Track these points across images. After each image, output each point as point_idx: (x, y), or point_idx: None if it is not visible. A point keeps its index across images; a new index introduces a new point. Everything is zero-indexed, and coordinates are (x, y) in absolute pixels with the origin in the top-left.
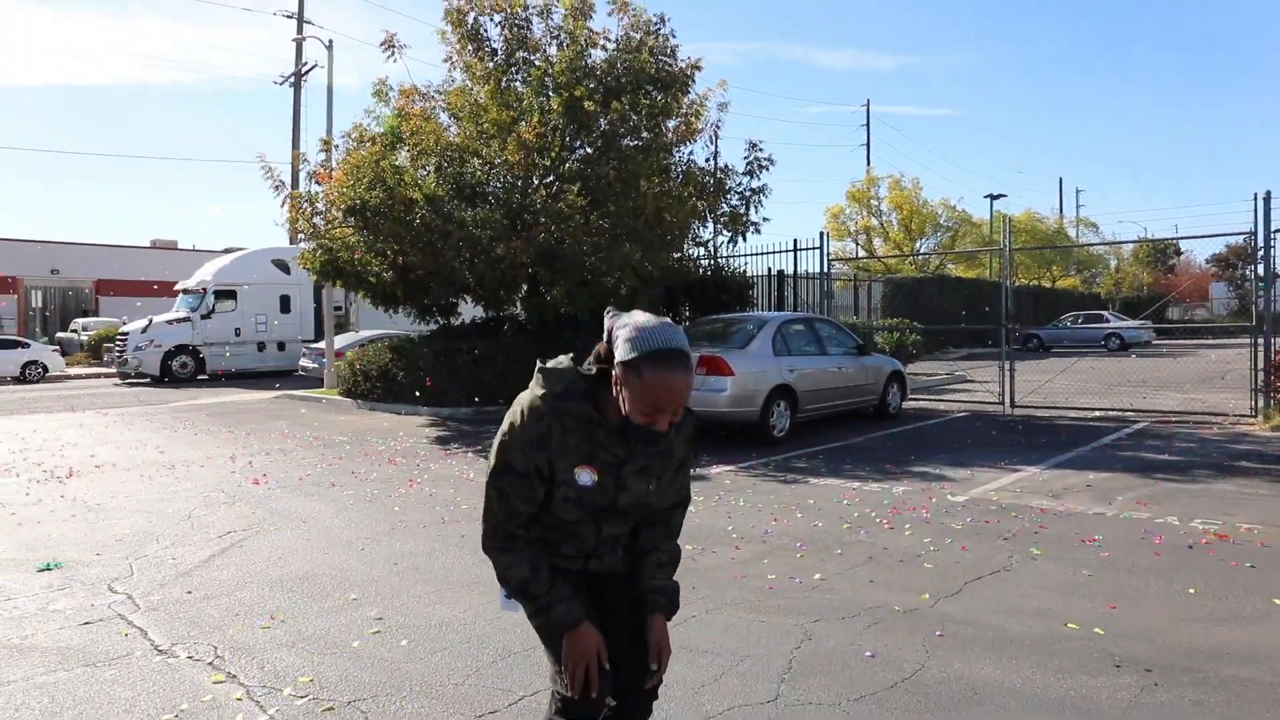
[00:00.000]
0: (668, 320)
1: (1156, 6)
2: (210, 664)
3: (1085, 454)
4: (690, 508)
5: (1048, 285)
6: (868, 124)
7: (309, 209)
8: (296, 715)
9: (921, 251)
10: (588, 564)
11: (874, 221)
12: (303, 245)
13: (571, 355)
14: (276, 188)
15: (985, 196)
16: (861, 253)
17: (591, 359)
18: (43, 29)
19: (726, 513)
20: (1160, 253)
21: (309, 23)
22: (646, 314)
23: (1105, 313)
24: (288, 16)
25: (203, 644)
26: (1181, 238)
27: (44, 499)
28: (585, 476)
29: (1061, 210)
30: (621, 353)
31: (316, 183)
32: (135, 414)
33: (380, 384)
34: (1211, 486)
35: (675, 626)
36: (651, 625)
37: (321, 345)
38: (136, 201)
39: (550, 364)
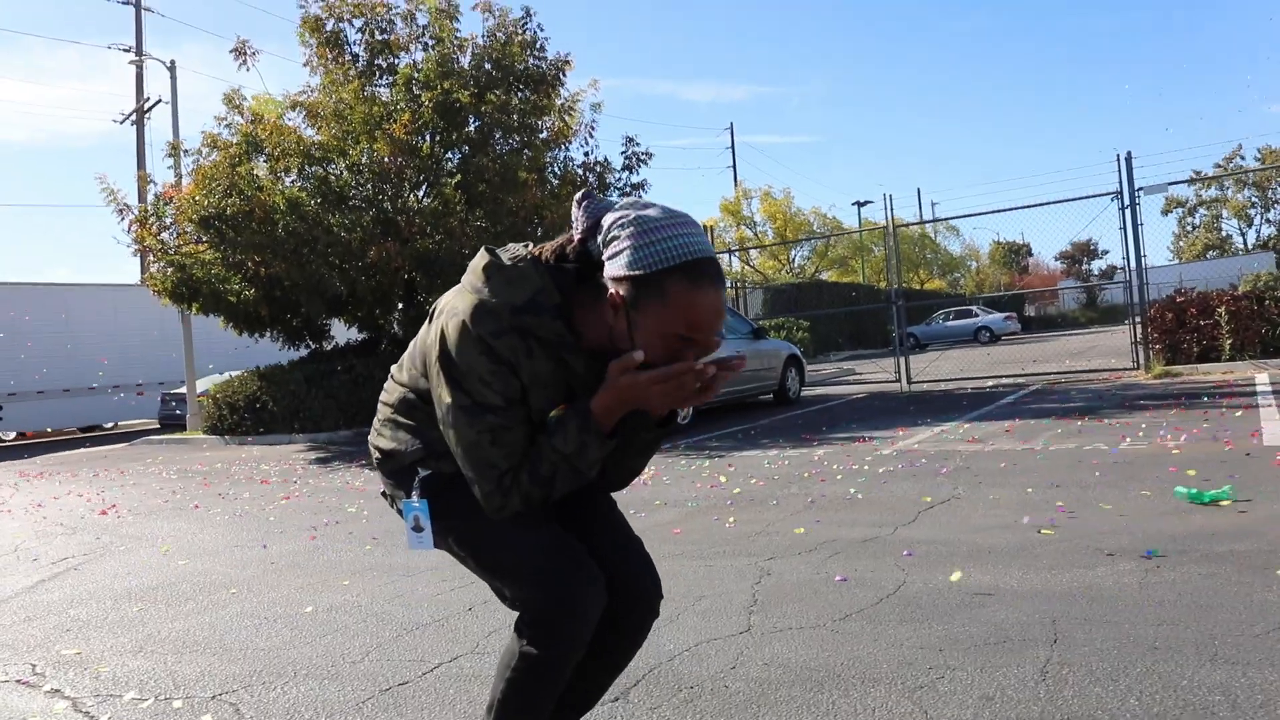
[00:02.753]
0: (681, 213)
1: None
2: (22, 682)
3: (995, 410)
4: None
5: (917, 287)
6: (732, 145)
7: (156, 225)
8: (140, 718)
9: (802, 250)
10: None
11: (748, 233)
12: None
13: (526, 245)
14: (120, 211)
15: (853, 204)
16: (737, 264)
17: (551, 254)
18: None
19: (645, 484)
20: (1014, 253)
21: (148, 55)
22: (650, 201)
23: (974, 308)
24: (124, 50)
25: (15, 664)
26: (1049, 202)
27: None
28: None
29: (921, 216)
30: (629, 262)
31: (165, 201)
32: None
33: (249, 415)
34: (1124, 420)
35: None
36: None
37: (182, 389)
38: None
39: (505, 256)
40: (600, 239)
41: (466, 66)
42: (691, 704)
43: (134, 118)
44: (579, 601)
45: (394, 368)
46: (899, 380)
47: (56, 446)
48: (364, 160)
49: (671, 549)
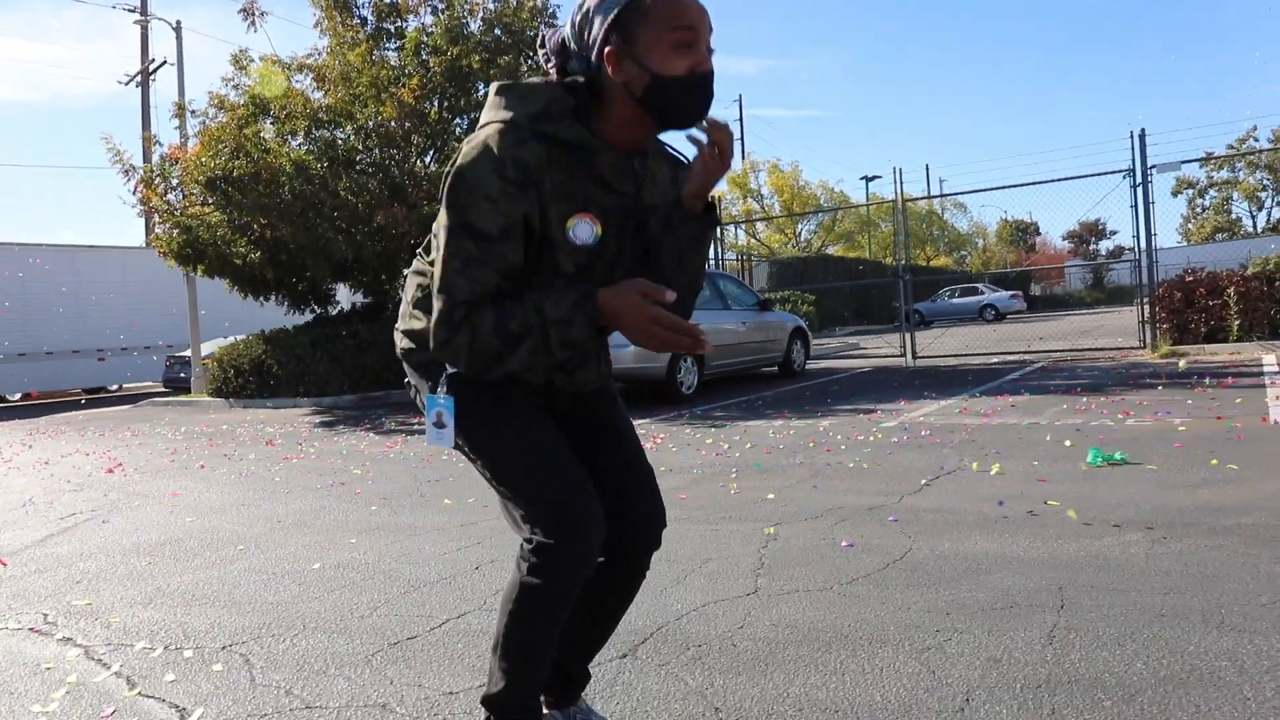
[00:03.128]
0: None
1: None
2: (34, 630)
3: (1000, 385)
4: None
5: (923, 264)
6: (740, 118)
7: (162, 185)
8: (151, 667)
9: (809, 223)
10: (554, 377)
11: (755, 205)
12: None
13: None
14: (126, 172)
15: (860, 179)
16: (744, 237)
17: (553, 71)
18: None
19: (652, 454)
20: (1021, 232)
21: (154, 16)
22: None
23: (980, 285)
24: (129, 10)
25: (27, 614)
26: (1060, 179)
27: None
28: (585, 229)
29: (929, 192)
30: (603, 9)
31: (171, 163)
32: None
33: (254, 379)
34: (1130, 398)
35: None
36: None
37: (186, 353)
38: None
39: (513, 82)
40: (573, 38)
41: (476, 32)
42: (700, 661)
43: (139, 79)
44: (581, 536)
45: (419, 251)
46: (904, 355)
47: (62, 407)
48: (371, 124)
49: (677, 513)
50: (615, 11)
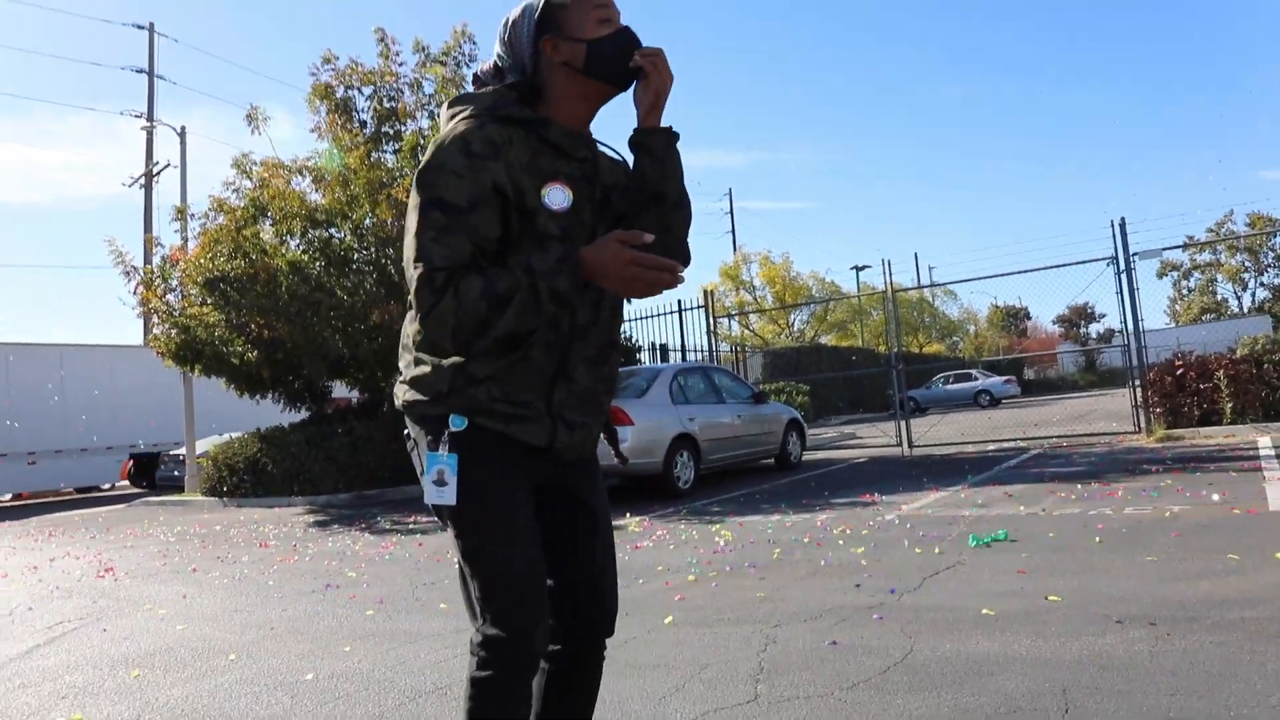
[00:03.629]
0: None
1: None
2: None
3: (997, 474)
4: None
5: (916, 351)
6: (731, 211)
7: (162, 287)
8: None
9: (801, 314)
10: (557, 433)
11: (748, 297)
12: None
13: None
14: (127, 273)
15: (851, 268)
16: (737, 329)
17: (488, 70)
18: None
19: (648, 551)
20: (1012, 317)
21: (159, 121)
22: None
23: (974, 371)
24: (136, 115)
25: None
26: (1046, 267)
27: None
28: (559, 194)
29: (919, 281)
30: (529, 10)
31: (172, 264)
32: None
33: (249, 477)
34: (1127, 484)
35: (617, 648)
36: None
37: (180, 452)
38: None
39: (461, 94)
40: (505, 53)
41: None
42: None
43: (143, 181)
44: (529, 633)
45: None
46: (900, 445)
47: (53, 508)
48: (368, 223)
49: (675, 615)
50: (538, 11)
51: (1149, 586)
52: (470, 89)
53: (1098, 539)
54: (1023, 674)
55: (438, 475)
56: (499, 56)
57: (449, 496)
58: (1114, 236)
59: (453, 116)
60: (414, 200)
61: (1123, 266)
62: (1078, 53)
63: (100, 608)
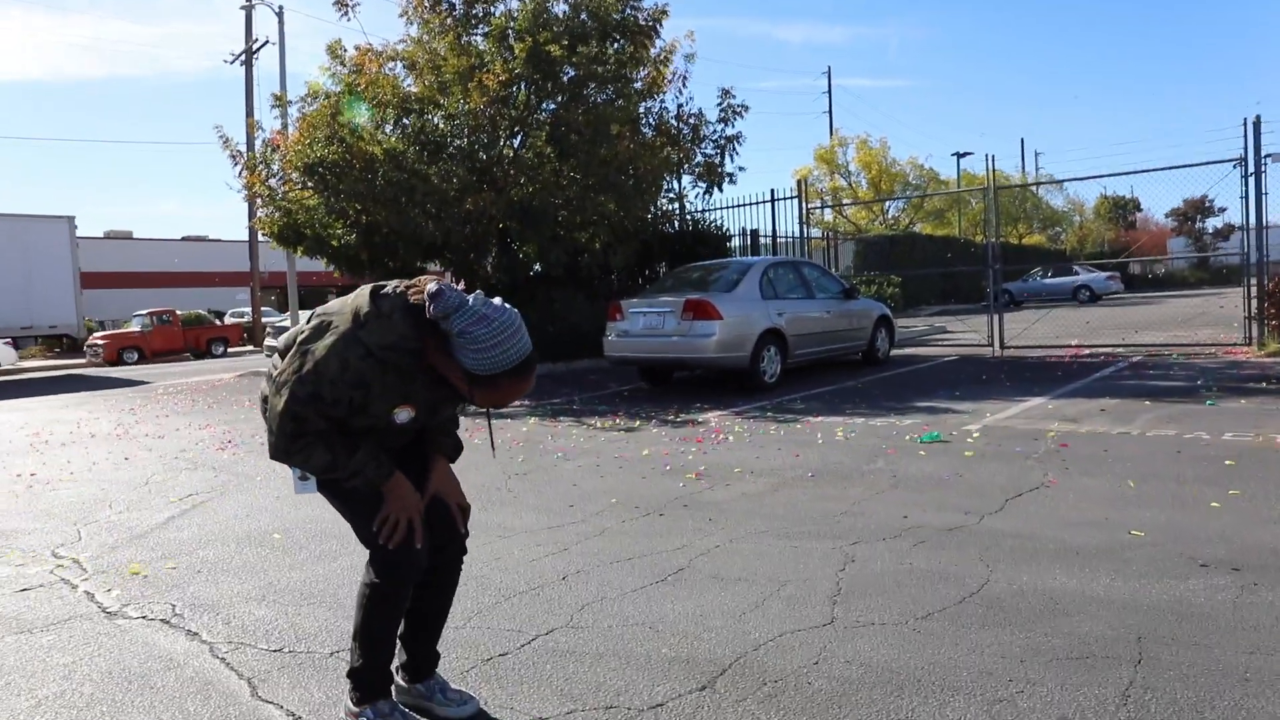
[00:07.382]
0: (508, 321)
1: None
2: (166, 622)
3: (1089, 384)
4: (686, 451)
5: (1014, 243)
6: (829, 91)
7: (264, 172)
8: (269, 670)
9: (899, 201)
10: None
11: (842, 182)
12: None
13: (404, 287)
14: (234, 157)
15: (952, 155)
16: (830, 215)
17: (416, 298)
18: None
19: (728, 450)
20: (1121, 208)
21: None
22: (474, 295)
23: (1074, 264)
24: None
25: (158, 603)
26: (1164, 168)
27: None
28: (403, 415)
29: (1024, 169)
30: (475, 363)
31: (273, 149)
32: (89, 398)
33: None
34: (1228, 405)
35: (701, 555)
36: (436, 464)
37: (286, 322)
38: (85, 193)
39: (383, 303)
40: (446, 329)
41: (561, 16)
42: (775, 699)
43: (243, 59)
44: (411, 556)
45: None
46: (990, 345)
47: (171, 375)
48: (459, 110)
49: (757, 525)
50: (486, 373)
51: (1241, 527)
52: None
53: (1190, 468)
54: (1098, 616)
55: (301, 472)
56: (445, 289)
57: (311, 488)
58: (1245, 135)
59: (356, 316)
60: (301, 365)
61: (1251, 169)
62: None
63: (223, 482)
